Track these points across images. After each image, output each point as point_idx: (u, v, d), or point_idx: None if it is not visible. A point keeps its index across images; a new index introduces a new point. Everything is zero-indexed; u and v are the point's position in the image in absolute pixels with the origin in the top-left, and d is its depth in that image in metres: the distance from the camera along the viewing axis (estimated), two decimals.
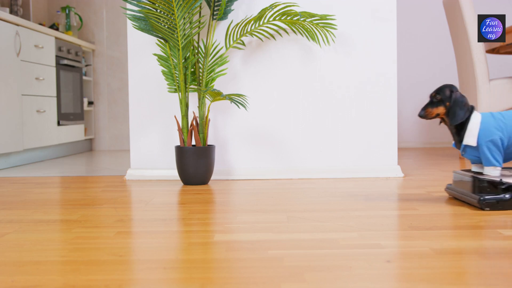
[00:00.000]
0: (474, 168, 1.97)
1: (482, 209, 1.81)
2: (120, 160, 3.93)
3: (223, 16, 2.61)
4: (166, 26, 2.45)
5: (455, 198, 2.03)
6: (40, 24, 4.64)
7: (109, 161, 3.91)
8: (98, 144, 5.07)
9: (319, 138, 2.81)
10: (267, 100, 2.80)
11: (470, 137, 1.88)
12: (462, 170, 2.00)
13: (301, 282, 1.09)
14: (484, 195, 1.81)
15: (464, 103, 1.89)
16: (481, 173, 1.91)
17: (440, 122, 2.02)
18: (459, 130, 1.92)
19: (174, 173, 2.79)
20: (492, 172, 1.87)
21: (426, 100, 4.98)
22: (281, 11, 2.55)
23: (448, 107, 1.90)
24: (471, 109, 1.91)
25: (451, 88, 1.92)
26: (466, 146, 1.91)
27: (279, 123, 2.80)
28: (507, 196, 1.79)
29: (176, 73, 2.55)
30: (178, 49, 2.50)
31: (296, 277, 1.12)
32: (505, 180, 1.81)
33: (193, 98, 2.78)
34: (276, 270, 1.18)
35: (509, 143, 1.87)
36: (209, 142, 2.80)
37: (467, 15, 3.44)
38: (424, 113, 1.93)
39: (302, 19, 2.55)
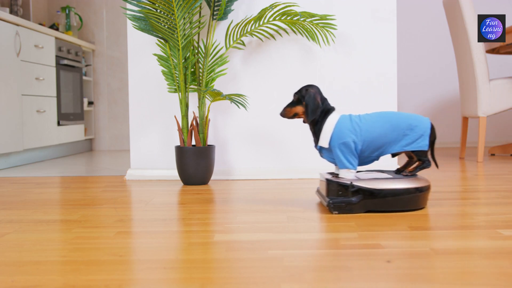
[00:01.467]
0: (336, 170, 1.93)
1: (331, 212, 1.79)
2: (120, 160, 3.93)
3: (223, 16, 2.61)
4: (166, 26, 2.45)
5: (321, 202, 1.99)
6: (40, 24, 4.64)
7: (109, 161, 3.91)
8: (98, 144, 5.07)
9: None
10: (267, 100, 2.80)
11: (324, 139, 1.85)
12: (327, 172, 1.96)
13: (301, 282, 1.09)
14: (334, 198, 1.79)
15: (317, 102, 1.85)
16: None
17: (304, 122, 1.97)
18: (316, 132, 1.88)
19: (174, 173, 2.79)
20: (347, 175, 1.84)
21: (426, 100, 4.99)
22: (281, 11, 2.54)
23: (305, 106, 1.88)
24: (326, 110, 1.87)
25: (308, 87, 1.88)
26: (322, 147, 1.89)
27: (279, 123, 2.80)
28: (354, 199, 1.77)
29: (176, 73, 2.55)
30: (178, 49, 2.49)
31: (296, 277, 1.12)
32: (355, 183, 1.78)
33: (193, 98, 2.78)
34: (276, 270, 1.18)
35: (364, 146, 1.83)
36: (209, 142, 2.80)
37: (467, 15, 3.44)
38: (284, 112, 1.91)
39: (302, 19, 2.55)
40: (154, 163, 2.82)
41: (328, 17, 2.61)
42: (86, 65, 4.83)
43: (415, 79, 4.98)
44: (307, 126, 2.80)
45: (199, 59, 2.62)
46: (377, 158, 1.89)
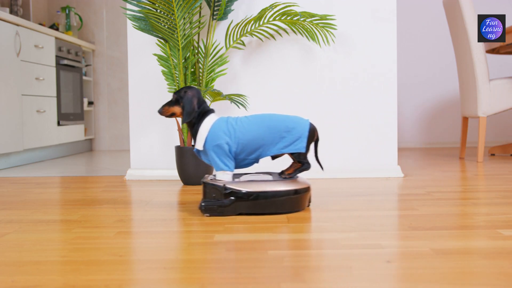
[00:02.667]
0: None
1: (203, 214, 1.79)
2: (120, 160, 3.93)
3: (223, 16, 2.61)
4: (166, 26, 2.45)
5: None
6: (40, 24, 4.64)
7: (109, 161, 3.91)
8: (98, 144, 5.07)
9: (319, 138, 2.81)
10: (267, 100, 2.80)
11: (199, 141, 1.83)
12: (213, 174, 1.95)
13: (301, 282, 1.09)
14: (207, 200, 1.78)
15: (193, 105, 1.84)
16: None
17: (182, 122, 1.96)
18: (193, 134, 1.87)
19: (174, 173, 2.79)
20: (223, 177, 1.82)
21: (426, 100, 4.99)
22: (281, 11, 2.55)
23: (182, 108, 1.87)
24: (204, 112, 1.86)
25: (186, 89, 1.87)
26: (199, 150, 1.87)
27: None
28: (226, 201, 1.76)
29: (176, 73, 2.55)
30: (178, 49, 2.49)
31: (296, 277, 1.12)
32: (229, 185, 1.77)
33: None
34: (276, 270, 1.18)
35: (239, 149, 1.82)
36: None
37: (467, 15, 3.44)
38: (161, 110, 1.89)
39: (302, 19, 2.55)
40: (154, 163, 2.82)
41: (328, 17, 2.61)
42: (86, 65, 4.83)
43: (415, 79, 4.98)
44: None
45: (199, 59, 2.62)
46: (256, 161, 1.86)
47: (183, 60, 2.54)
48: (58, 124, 4.17)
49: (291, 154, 1.84)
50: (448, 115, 4.99)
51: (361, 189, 2.35)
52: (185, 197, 2.20)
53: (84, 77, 4.77)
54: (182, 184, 2.59)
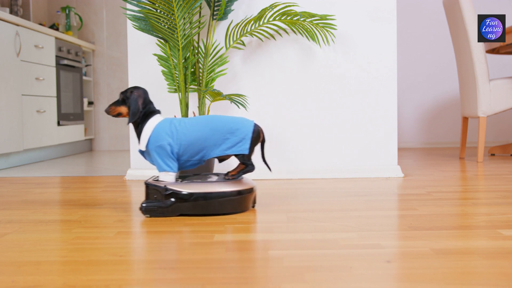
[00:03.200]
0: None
1: (144, 215, 1.79)
2: (120, 160, 3.93)
3: (223, 16, 2.61)
4: (166, 26, 2.45)
5: None
6: (40, 24, 4.64)
7: (109, 161, 3.91)
8: (98, 144, 5.07)
9: (319, 138, 2.81)
10: (267, 100, 2.80)
11: (142, 142, 1.83)
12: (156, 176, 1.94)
13: (301, 282, 1.09)
14: (148, 201, 1.78)
15: (137, 106, 1.83)
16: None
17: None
18: (138, 134, 1.86)
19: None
20: (166, 178, 1.82)
21: (426, 100, 4.99)
22: (281, 11, 2.54)
23: (128, 108, 1.86)
24: (149, 113, 1.85)
25: (133, 89, 1.86)
26: (142, 151, 1.87)
27: (279, 123, 2.80)
28: (166, 203, 1.76)
29: (176, 73, 2.55)
30: (178, 49, 2.49)
31: (296, 277, 1.12)
32: (170, 186, 1.77)
33: (193, 98, 2.78)
34: (276, 270, 1.18)
35: (181, 150, 1.81)
36: None
37: (467, 15, 3.44)
38: (108, 110, 1.88)
39: (302, 19, 2.55)
40: None
41: (328, 17, 2.61)
42: (86, 65, 4.83)
43: (415, 79, 4.98)
44: (307, 126, 2.80)
45: (199, 59, 2.62)
46: (201, 162, 1.86)
47: (183, 60, 2.54)
48: (58, 124, 4.17)
49: (235, 156, 1.84)
50: (448, 115, 4.99)
51: (361, 189, 2.35)
52: None
53: (84, 77, 4.77)
54: None
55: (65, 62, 4.24)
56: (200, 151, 1.83)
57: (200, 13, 2.65)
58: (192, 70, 2.60)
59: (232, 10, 2.67)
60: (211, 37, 2.59)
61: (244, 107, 2.45)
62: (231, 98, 2.43)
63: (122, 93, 1.87)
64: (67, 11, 4.78)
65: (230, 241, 1.44)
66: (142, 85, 2.80)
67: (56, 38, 4.18)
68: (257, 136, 1.84)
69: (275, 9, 2.57)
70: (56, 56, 4.17)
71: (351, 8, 2.77)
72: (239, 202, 1.81)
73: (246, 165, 1.85)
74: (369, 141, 2.80)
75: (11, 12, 4.25)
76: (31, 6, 4.54)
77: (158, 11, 2.42)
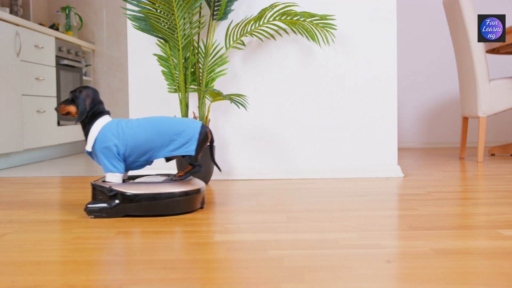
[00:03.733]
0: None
1: (88, 216, 1.79)
2: None
3: (223, 16, 2.61)
4: (166, 26, 2.45)
5: None
6: (40, 24, 4.64)
7: None
8: None
9: (319, 138, 2.81)
10: (267, 100, 2.80)
11: (88, 142, 1.83)
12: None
13: (301, 282, 1.09)
14: (92, 202, 1.78)
15: (85, 105, 1.83)
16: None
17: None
18: (85, 134, 1.87)
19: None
20: (112, 179, 1.82)
21: (426, 100, 4.99)
22: (281, 11, 2.54)
23: (77, 106, 1.86)
24: (97, 113, 1.85)
25: (82, 89, 1.86)
26: (89, 151, 1.87)
27: (279, 123, 2.80)
28: (110, 204, 1.76)
29: (176, 73, 2.55)
30: (178, 49, 2.49)
31: (296, 277, 1.12)
32: (114, 187, 1.76)
33: (193, 98, 2.78)
34: (276, 270, 1.18)
35: (128, 151, 1.82)
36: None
37: (467, 15, 3.44)
38: (58, 108, 1.89)
39: (302, 19, 2.55)
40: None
41: (328, 17, 2.61)
42: (86, 65, 4.83)
43: (415, 79, 4.98)
44: (307, 126, 2.80)
45: (199, 59, 2.62)
46: (147, 163, 1.87)
47: (183, 60, 2.53)
48: (58, 124, 4.17)
49: (183, 157, 1.84)
50: (448, 115, 4.99)
51: (361, 189, 2.35)
52: None
53: (84, 77, 4.77)
54: None
55: (65, 62, 4.24)
56: (147, 152, 1.83)
57: (200, 13, 2.65)
58: (192, 70, 2.60)
59: (232, 10, 2.67)
60: (211, 37, 2.59)
61: (244, 107, 2.45)
62: (231, 98, 2.43)
63: (71, 92, 1.88)
64: (67, 11, 4.78)
65: (230, 241, 1.44)
66: (142, 85, 2.80)
67: (56, 38, 4.18)
68: (205, 137, 1.85)
69: (275, 9, 2.57)
70: (56, 56, 4.17)
71: (351, 8, 2.77)
72: (185, 203, 1.81)
73: (193, 165, 1.86)
74: (369, 141, 2.80)
75: (11, 12, 4.25)
76: (31, 6, 4.54)
77: (158, 11, 2.42)
